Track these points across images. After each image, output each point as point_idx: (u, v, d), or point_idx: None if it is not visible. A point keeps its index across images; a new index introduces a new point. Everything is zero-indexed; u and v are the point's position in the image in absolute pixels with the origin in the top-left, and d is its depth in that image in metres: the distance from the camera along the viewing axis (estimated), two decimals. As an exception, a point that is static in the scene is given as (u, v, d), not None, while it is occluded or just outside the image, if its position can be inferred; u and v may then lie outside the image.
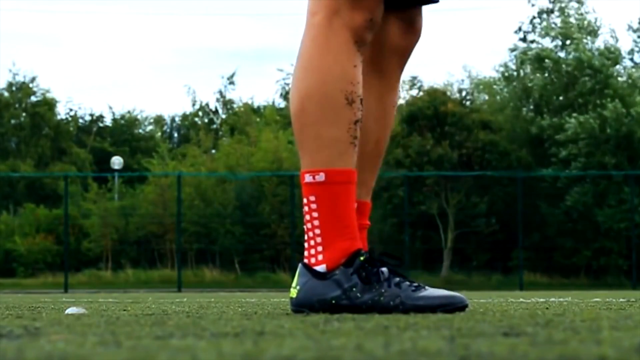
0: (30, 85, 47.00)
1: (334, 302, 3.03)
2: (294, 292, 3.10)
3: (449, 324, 2.25)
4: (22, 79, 47.02)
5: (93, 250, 35.62)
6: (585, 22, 36.36)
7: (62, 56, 71.21)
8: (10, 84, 46.99)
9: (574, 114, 33.35)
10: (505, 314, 2.92)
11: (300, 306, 3.07)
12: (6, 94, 46.84)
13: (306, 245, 3.10)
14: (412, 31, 3.32)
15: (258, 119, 45.59)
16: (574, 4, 36.84)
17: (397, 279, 3.10)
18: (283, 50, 71.99)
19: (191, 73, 73.94)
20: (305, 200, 3.09)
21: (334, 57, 3.08)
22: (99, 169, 45.31)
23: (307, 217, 3.09)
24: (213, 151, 43.02)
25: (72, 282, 27.33)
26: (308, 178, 3.08)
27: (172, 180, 32.49)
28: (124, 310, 3.71)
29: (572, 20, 36.30)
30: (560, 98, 35.63)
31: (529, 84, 36.63)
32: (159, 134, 51.77)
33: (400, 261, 3.27)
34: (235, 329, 2.08)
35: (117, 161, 40.85)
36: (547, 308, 3.65)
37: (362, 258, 3.06)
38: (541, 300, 5.95)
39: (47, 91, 47.63)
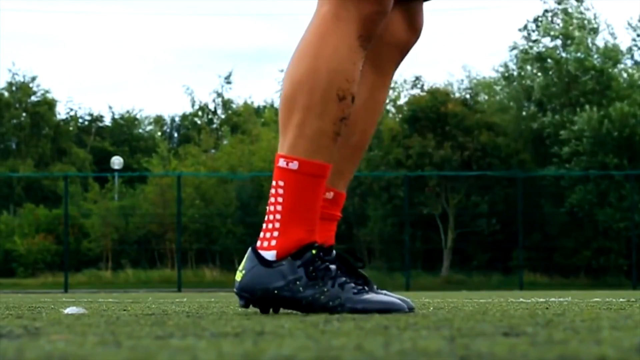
0: (30, 85, 47.02)
1: (276, 292, 3.02)
2: (239, 276, 3.09)
3: (449, 324, 2.25)
4: (21, 79, 47.05)
5: (93, 250, 35.63)
6: (585, 21, 36.37)
7: (62, 56, 71.26)
8: (10, 84, 47.00)
9: (584, 107, 33.36)
10: (505, 314, 2.92)
11: (243, 291, 3.05)
12: (6, 94, 46.85)
13: (263, 227, 3.08)
14: (413, 28, 3.31)
15: (258, 119, 45.61)
16: (574, 2, 36.86)
17: (343, 279, 3.06)
18: (282, 50, 72.03)
19: (190, 73, 73.98)
20: (273, 183, 3.06)
21: (333, 50, 3.03)
22: (99, 169, 45.33)
23: (272, 200, 3.05)
24: (213, 151, 43.03)
25: (72, 282, 27.33)
26: (282, 162, 3.05)
27: (172, 180, 32.49)
28: (124, 310, 3.71)
29: (573, 19, 36.30)
30: (562, 99, 35.62)
31: (530, 83, 36.65)
32: (159, 134, 51.79)
33: (362, 263, 3.26)
34: (235, 329, 2.08)
35: (117, 161, 40.86)
36: (547, 308, 3.64)
37: (313, 252, 3.03)
38: (541, 300, 5.95)
39: (47, 91, 47.68)
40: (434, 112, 35.21)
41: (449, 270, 32.89)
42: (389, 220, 33.87)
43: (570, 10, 36.83)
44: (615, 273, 31.20)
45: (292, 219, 3.03)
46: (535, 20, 37.41)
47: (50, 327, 2.23)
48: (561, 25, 36.44)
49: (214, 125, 48.18)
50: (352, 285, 3.07)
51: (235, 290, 3.10)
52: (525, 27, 37.60)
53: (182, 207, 28.20)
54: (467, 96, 39.38)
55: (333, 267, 3.06)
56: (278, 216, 3.04)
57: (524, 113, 36.96)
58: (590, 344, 1.60)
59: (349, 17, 3.03)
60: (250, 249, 3.09)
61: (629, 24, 37.98)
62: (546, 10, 37.27)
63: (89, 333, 1.99)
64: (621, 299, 5.94)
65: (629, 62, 36.96)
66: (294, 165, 3.02)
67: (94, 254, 35.55)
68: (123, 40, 71.68)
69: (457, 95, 38.73)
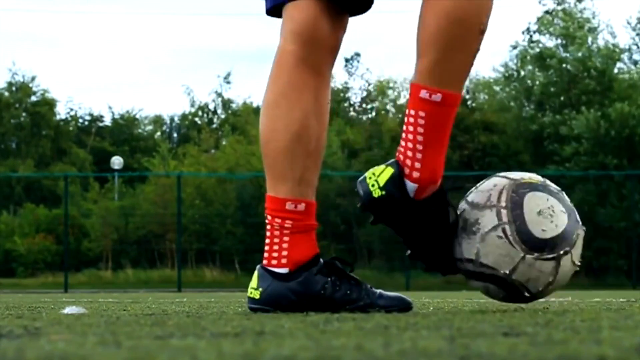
0: (30, 85, 47.02)
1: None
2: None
3: (449, 324, 2.25)
4: (21, 79, 47.04)
5: (93, 250, 35.63)
6: (585, 20, 36.36)
7: (62, 56, 71.22)
8: (10, 84, 47.00)
9: (582, 109, 33.35)
10: (505, 314, 2.92)
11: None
12: (6, 94, 46.85)
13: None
14: (340, 27, 3.33)
15: (257, 119, 45.59)
16: (572, 1, 36.88)
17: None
18: (282, 50, 71.84)
19: (190, 73, 73.94)
20: (415, 112, 3.21)
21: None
22: (99, 169, 45.33)
23: (411, 129, 3.23)
24: (213, 151, 43.03)
25: (72, 282, 27.33)
26: (422, 93, 3.15)
27: (173, 180, 32.48)
28: (124, 310, 3.71)
29: (573, 18, 36.29)
30: (562, 98, 35.62)
31: (529, 83, 36.65)
32: (159, 133, 51.79)
33: (351, 267, 3.30)
34: (235, 329, 2.08)
35: (117, 161, 40.84)
36: (547, 308, 3.65)
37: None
38: (541, 300, 5.95)
39: (47, 91, 47.67)
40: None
41: (449, 270, 32.85)
42: (389, 220, 33.86)
43: (569, 9, 36.81)
44: (615, 273, 31.19)
45: (434, 146, 3.20)
46: (538, 20, 37.38)
47: (50, 327, 2.23)
48: (561, 25, 36.42)
49: (214, 125, 48.18)
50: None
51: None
52: (528, 29, 37.58)
53: (182, 207, 28.20)
54: (467, 96, 39.37)
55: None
56: (419, 146, 3.22)
57: (524, 113, 36.95)
58: (590, 344, 1.60)
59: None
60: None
61: (628, 23, 37.97)
62: (546, 12, 37.24)
63: (89, 333, 1.99)
64: (621, 299, 5.94)
65: (629, 62, 36.96)
66: (437, 97, 3.14)
67: (94, 254, 35.55)
68: (123, 40, 71.67)
69: (457, 95, 38.70)
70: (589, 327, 2.09)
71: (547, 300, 5.89)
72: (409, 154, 3.16)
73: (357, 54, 47.41)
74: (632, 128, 32.72)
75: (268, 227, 3.22)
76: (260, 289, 3.20)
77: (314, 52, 3.29)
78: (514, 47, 37.57)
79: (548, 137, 34.59)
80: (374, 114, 44.70)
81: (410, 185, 3.16)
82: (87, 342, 1.74)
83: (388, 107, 43.90)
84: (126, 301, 6.36)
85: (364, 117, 45.59)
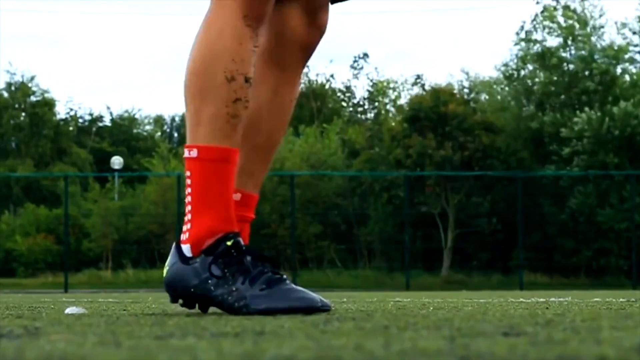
0: (29, 85, 47.00)
1: (192, 290, 3.02)
2: (164, 271, 3.10)
3: (449, 324, 2.25)
4: (20, 79, 47.03)
5: (93, 250, 35.65)
6: (589, 18, 36.32)
7: (62, 56, 71.26)
8: (9, 84, 47.00)
9: (584, 109, 33.34)
10: (505, 314, 2.92)
11: (168, 287, 3.07)
12: (5, 94, 46.84)
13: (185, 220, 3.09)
14: (315, 25, 3.25)
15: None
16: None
17: (257, 272, 2.98)
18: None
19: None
20: (186, 176, 3.07)
21: (217, 34, 3.03)
22: (99, 169, 45.34)
23: (186, 191, 3.05)
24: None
25: (72, 282, 27.34)
26: (185, 152, 3.05)
27: (173, 180, 32.49)
28: (124, 310, 3.71)
29: (575, 17, 36.25)
30: (562, 97, 35.61)
31: (530, 82, 36.64)
32: (159, 133, 51.81)
33: (276, 264, 3.13)
34: (235, 329, 2.08)
35: (117, 161, 40.85)
36: (547, 308, 3.65)
37: (229, 243, 3.00)
38: (541, 300, 5.95)
39: (47, 91, 47.68)
40: (434, 113, 35.20)
41: (449, 270, 32.89)
42: (389, 220, 33.86)
43: (572, 7, 36.75)
44: (615, 273, 31.19)
45: (200, 208, 3.01)
46: (534, 18, 37.35)
47: (50, 327, 2.23)
48: (563, 23, 36.38)
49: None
50: (268, 277, 2.98)
51: (164, 285, 3.11)
52: (522, 27, 37.55)
53: (182, 207, 28.20)
54: (468, 96, 39.37)
55: (248, 258, 3.00)
56: (189, 207, 3.03)
57: (524, 113, 36.93)
58: (590, 344, 1.60)
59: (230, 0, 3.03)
60: (174, 243, 3.09)
61: (624, 25, 37.93)
62: (542, 11, 37.16)
63: (89, 333, 1.99)
64: (621, 299, 5.94)
65: (632, 61, 36.91)
66: (194, 153, 3.02)
67: (94, 254, 35.57)
68: (123, 40, 71.71)
69: (458, 94, 38.71)
70: (589, 327, 2.09)
71: (547, 300, 5.89)
72: (186, 217, 3.04)
73: (366, 54, 47.59)
74: (633, 127, 32.71)
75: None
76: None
77: (279, 46, 3.22)
78: (517, 43, 37.49)
79: (548, 135, 34.59)
80: (373, 113, 44.73)
81: (185, 247, 3.03)
82: (87, 342, 1.74)
83: (388, 107, 43.90)
84: (126, 301, 6.36)
85: (364, 117, 45.62)
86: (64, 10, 68.83)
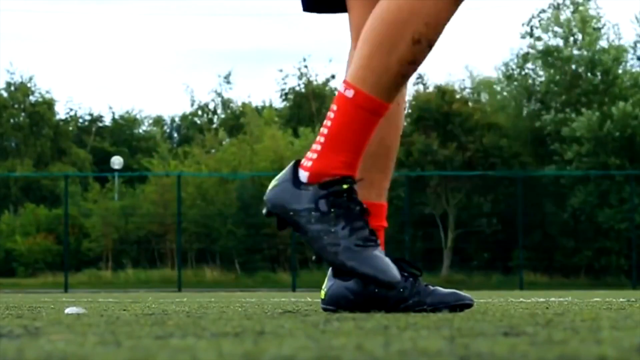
0: (29, 85, 47.00)
1: (291, 214, 2.98)
2: (272, 184, 3.07)
3: (449, 324, 2.25)
4: (19, 79, 47.03)
5: (93, 250, 35.65)
6: (590, 17, 36.31)
7: (62, 56, 71.24)
8: (9, 84, 46.99)
9: (583, 110, 33.34)
10: (505, 314, 2.92)
11: (268, 201, 3.04)
12: (5, 94, 46.83)
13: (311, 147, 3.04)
14: None
15: (260, 119, 45.61)
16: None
17: (359, 224, 2.96)
18: (282, 50, 72.06)
19: (190, 73, 73.99)
20: (331, 106, 3.01)
21: None
22: (99, 169, 45.34)
23: (325, 122, 3.01)
24: (213, 151, 43.02)
25: (72, 282, 27.34)
26: (341, 87, 3.00)
27: (173, 180, 32.50)
28: (124, 310, 3.71)
29: (577, 16, 36.25)
30: (563, 97, 35.60)
31: (531, 82, 36.64)
32: (159, 134, 51.81)
33: (419, 271, 3.19)
34: (235, 329, 2.08)
35: (117, 161, 40.85)
36: (547, 308, 3.65)
37: (345, 186, 2.96)
38: (541, 300, 5.95)
39: (47, 91, 47.70)
40: (438, 112, 35.21)
41: (449, 270, 32.89)
42: (389, 220, 33.85)
43: (575, 7, 36.74)
44: (615, 273, 31.20)
45: (335, 146, 2.96)
46: (538, 14, 37.33)
47: (50, 327, 2.23)
48: (565, 23, 36.37)
49: (214, 125, 48.17)
50: (366, 235, 2.96)
51: (266, 201, 3.07)
52: (527, 23, 37.53)
53: (182, 207, 28.21)
54: (472, 95, 39.37)
55: (358, 208, 2.98)
56: (322, 139, 2.98)
57: (524, 113, 36.92)
58: (590, 344, 1.60)
59: None
60: (293, 161, 3.06)
61: (637, 19, 37.88)
62: (543, 10, 37.17)
63: (89, 333, 1.99)
64: (621, 299, 5.94)
65: (633, 61, 36.93)
66: (350, 93, 2.96)
67: (94, 254, 35.57)
68: (123, 40, 71.70)
69: (459, 94, 38.70)
70: (589, 327, 2.09)
71: (547, 300, 5.89)
72: (314, 147, 2.99)
73: None
74: (634, 128, 32.72)
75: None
76: (325, 289, 3.18)
77: None
78: (522, 37, 37.45)
79: (549, 135, 34.58)
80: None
81: (303, 174, 3.00)
82: (87, 342, 1.74)
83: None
84: (126, 301, 6.36)
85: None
86: (64, 10, 68.83)
